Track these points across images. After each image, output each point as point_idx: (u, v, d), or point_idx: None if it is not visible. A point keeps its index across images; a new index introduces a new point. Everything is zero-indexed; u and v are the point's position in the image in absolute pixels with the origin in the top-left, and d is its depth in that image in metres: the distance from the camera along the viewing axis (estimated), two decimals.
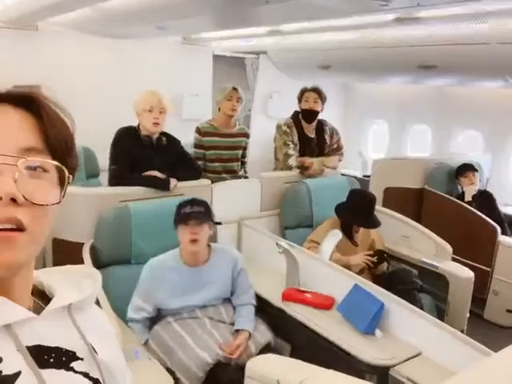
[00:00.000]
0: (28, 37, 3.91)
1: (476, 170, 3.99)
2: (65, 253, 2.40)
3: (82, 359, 0.60)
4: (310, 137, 3.48)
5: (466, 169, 3.98)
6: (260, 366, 1.10)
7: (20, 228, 0.53)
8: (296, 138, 3.43)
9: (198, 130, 3.30)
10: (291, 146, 3.39)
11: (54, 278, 0.66)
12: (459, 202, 3.85)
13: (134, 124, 2.70)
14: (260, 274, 2.41)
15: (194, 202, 2.16)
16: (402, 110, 5.37)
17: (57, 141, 0.59)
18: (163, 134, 2.72)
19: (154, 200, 2.55)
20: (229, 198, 2.28)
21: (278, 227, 3.16)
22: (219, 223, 2.30)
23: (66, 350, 0.59)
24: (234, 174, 3.40)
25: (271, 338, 2.21)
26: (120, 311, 2.10)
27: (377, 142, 5.76)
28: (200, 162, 3.24)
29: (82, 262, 2.23)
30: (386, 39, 3.73)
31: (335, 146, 3.59)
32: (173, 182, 2.59)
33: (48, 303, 0.61)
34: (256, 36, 4.40)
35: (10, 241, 0.53)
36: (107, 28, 3.80)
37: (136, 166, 2.60)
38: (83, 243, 2.36)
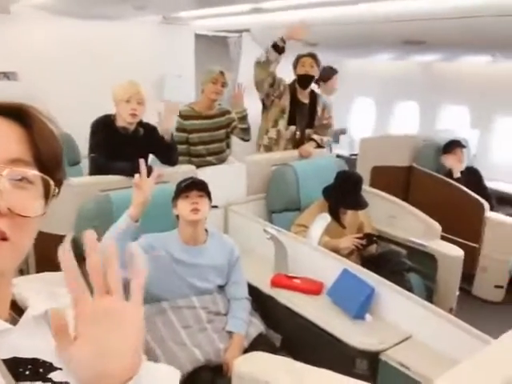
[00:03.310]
0: (0, 20, 3.76)
1: (464, 147, 3.96)
2: (46, 246, 2.32)
3: (60, 369, 0.59)
4: (303, 102, 3.47)
5: (454, 145, 3.95)
6: (249, 366, 1.06)
7: (3, 238, 0.53)
8: (286, 103, 3.41)
9: (179, 113, 3.22)
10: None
11: (25, 287, 0.65)
12: (447, 179, 3.83)
13: (114, 109, 2.62)
14: (248, 260, 2.37)
15: (193, 177, 2.22)
16: (389, 87, 5.31)
17: (46, 154, 0.59)
18: (140, 124, 2.64)
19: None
20: (214, 183, 2.22)
21: (265, 211, 3.11)
22: (216, 206, 2.27)
23: (42, 361, 0.58)
24: (218, 156, 3.34)
25: (263, 329, 2.18)
26: None
27: (364, 119, 5.70)
28: (183, 146, 3.18)
29: None
30: (373, 15, 3.65)
31: (325, 121, 3.55)
32: (156, 171, 2.52)
33: (20, 313, 0.61)
34: (238, 14, 4.28)
35: None
36: (84, 9, 3.67)
37: (110, 157, 2.53)
38: (64, 235, 2.29)
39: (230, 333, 2.07)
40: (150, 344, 1.95)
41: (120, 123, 2.57)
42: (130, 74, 2.79)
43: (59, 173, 0.62)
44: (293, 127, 3.46)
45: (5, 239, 0.54)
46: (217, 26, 5.01)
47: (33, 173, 0.58)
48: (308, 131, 3.50)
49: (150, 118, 2.76)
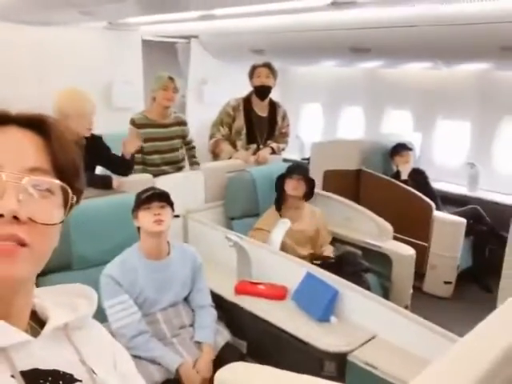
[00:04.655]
0: None
1: (410, 149, 4.13)
2: None
3: (80, 381, 0.60)
4: (261, 116, 3.45)
5: (401, 148, 4.11)
6: (231, 377, 1.05)
7: (22, 245, 0.54)
8: (241, 123, 3.40)
9: (133, 122, 3.14)
10: (222, 131, 3.40)
11: (46, 298, 0.66)
12: (395, 181, 3.97)
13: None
14: (210, 268, 2.34)
15: (154, 188, 2.14)
16: (336, 93, 5.45)
17: (64, 163, 0.60)
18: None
19: (93, 199, 2.39)
20: (172, 192, 2.17)
21: (225, 218, 3.10)
22: (177, 216, 2.23)
23: (63, 372, 0.59)
24: (174, 165, 3.30)
25: (229, 338, 2.16)
26: None
27: (312, 124, 5.81)
28: (138, 155, 3.11)
29: None
30: (319, 23, 3.73)
31: (283, 130, 3.58)
32: (116, 180, 2.45)
33: (40, 324, 0.62)
34: (187, 20, 4.24)
35: (10, 255, 0.53)
36: (26, 15, 3.50)
37: None
38: None
39: (198, 343, 2.04)
40: None
41: None
42: (75, 81, 2.70)
43: (78, 182, 0.62)
44: (254, 146, 3.45)
45: (24, 245, 0.55)
46: (165, 31, 4.95)
47: (52, 181, 0.58)
48: (268, 142, 3.51)
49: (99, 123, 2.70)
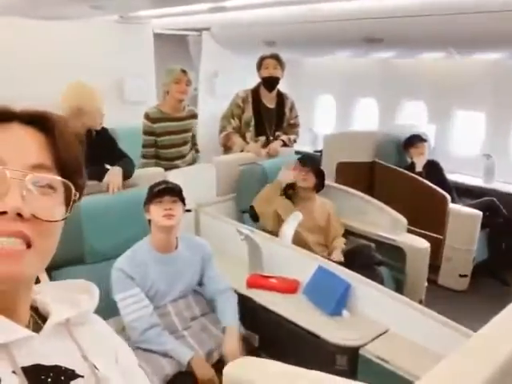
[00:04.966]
0: None
1: (425, 140, 4.07)
2: None
3: (82, 376, 0.60)
4: (269, 107, 3.45)
5: (416, 139, 4.05)
6: (240, 372, 1.04)
7: (27, 243, 0.54)
8: (249, 114, 3.40)
9: (147, 116, 3.13)
10: (233, 123, 3.39)
11: (47, 294, 0.66)
12: (409, 173, 3.92)
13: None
14: (222, 261, 2.34)
15: (167, 181, 2.14)
16: (349, 84, 5.39)
17: (67, 160, 0.60)
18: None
19: (105, 194, 2.40)
20: (183, 185, 2.17)
21: (236, 212, 3.10)
22: (189, 210, 2.23)
23: (65, 368, 0.59)
24: (186, 159, 3.30)
25: (242, 330, 2.16)
26: None
27: (325, 116, 5.76)
28: (151, 149, 3.12)
29: None
30: (332, 13, 3.69)
31: (292, 121, 3.56)
32: (111, 185, 2.39)
33: (42, 320, 0.62)
34: (198, 13, 4.23)
35: (17, 256, 0.54)
36: (38, 9, 3.52)
37: None
38: None
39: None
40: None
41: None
42: (88, 76, 2.69)
43: (80, 178, 0.62)
44: (262, 138, 3.44)
45: (29, 246, 0.55)
46: (176, 24, 4.94)
47: (55, 178, 0.59)
48: (277, 133, 3.50)
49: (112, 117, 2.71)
